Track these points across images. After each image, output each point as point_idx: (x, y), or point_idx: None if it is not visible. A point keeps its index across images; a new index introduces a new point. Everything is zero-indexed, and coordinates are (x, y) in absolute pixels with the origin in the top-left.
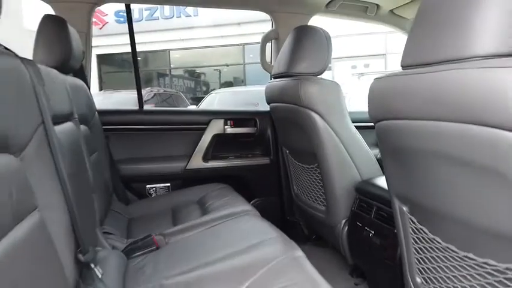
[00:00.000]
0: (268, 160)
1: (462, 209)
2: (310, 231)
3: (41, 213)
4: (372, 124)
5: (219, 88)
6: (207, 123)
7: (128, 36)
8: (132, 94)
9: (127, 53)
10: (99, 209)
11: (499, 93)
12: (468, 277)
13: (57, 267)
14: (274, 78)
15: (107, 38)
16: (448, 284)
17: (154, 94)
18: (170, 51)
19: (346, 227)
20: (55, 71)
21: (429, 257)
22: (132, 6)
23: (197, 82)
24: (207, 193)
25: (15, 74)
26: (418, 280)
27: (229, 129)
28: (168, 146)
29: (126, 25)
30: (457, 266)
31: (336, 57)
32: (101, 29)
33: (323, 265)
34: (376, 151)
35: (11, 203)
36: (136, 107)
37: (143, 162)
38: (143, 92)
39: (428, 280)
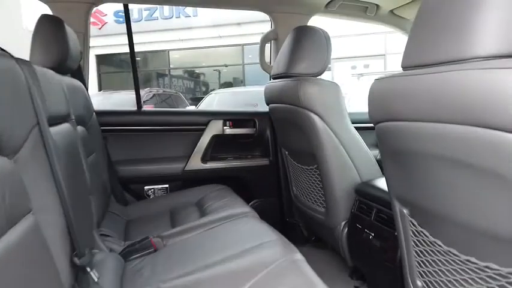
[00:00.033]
0: (268, 161)
1: (462, 211)
2: (310, 233)
3: (36, 216)
4: (372, 125)
5: (219, 88)
6: (206, 124)
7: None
8: (132, 94)
9: (126, 53)
10: (97, 210)
11: (500, 95)
12: (470, 281)
13: (52, 271)
14: (274, 78)
15: (106, 38)
16: None
17: (154, 94)
18: (169, 52)
19: (346, 229)
20: (51, 72)
21: (430, 260)
22: (132, 6)
23: (196, 82)
24: (205, 194)
25: (10, 74)
26: (419, 283)
27: (228, 130)
28: (167, 147)
29: (125, 25)
30: (458, 269)
31: (336, 57)
32: (100, 29)
33: (322, 267)
34: (376, 152)
35: (4, 207)
36: (135, 108)
37: (141, 163)
38: (142, 92)
39: (429, 283)
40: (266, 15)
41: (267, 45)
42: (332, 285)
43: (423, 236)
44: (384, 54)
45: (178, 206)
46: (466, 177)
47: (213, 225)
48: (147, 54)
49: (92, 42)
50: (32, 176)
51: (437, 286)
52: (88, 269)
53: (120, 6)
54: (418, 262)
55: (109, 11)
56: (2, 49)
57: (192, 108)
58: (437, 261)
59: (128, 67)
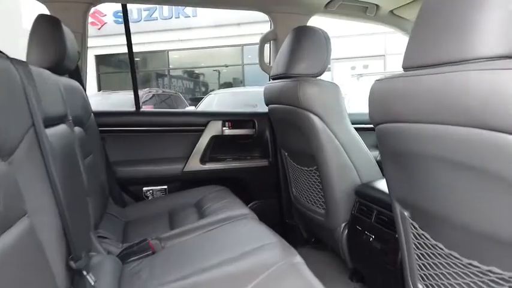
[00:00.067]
0: (267, 162)
1: (463, 213)
2: (309, 234)
3: (31, 219)
4: (372, 126)
5: (218, 89)
6: (205, 125)
7: None
8: (131, 95)
9: (126, 54)
10: (94, 212)
11: (503, 96)
12: (472, 285)
13: (47, 275)
14: (273, 79)
15: (106, 38)
16: None
17: (153, 95)
18: (169, 52)
19: (346, 231)
20: (48, 72)
21: (431, 263)
22: (131, 6)
23: (196, 83)
24: (204, 196)
25: (5, 75)
26: (420, 287)
27: (227, 131)
28: (165, 148)
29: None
30: (460, 273)
31: (335, 58)
32: (99, 29)
33: (322, 268)
34: (376, 153)
35: None
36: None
37: (140, 164)
38: (142, 92)
39: (430, 287)
40: (266, 15)
41: (267, 46)
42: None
43: (424, 238)
44: (384, 55)
45: (177, 208)
46: (467, 179)
47: (212, 227)
48: (146, 54)
49: (92, 42)
50: (27, 178)
51: None
52: (84, 273)
53: (119, 7)
54: (419, 265)
55: (108, 11)
56: None
57: (191, 108)
58: (439, 264)
59: (127, 67)
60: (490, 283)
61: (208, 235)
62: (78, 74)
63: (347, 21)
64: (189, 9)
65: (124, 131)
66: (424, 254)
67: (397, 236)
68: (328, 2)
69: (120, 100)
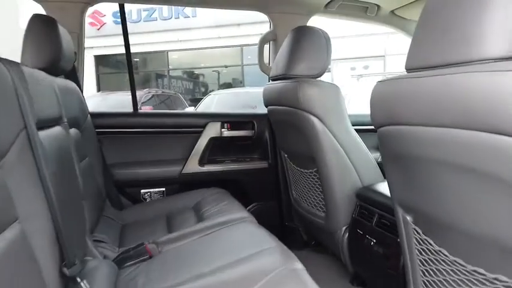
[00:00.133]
0: (266, 164)
1: (465, 217)
2: (309, 237)
3: (23, 225)
4: (372, 127)
5: (218, 89)
6: (204, 126)
7: None
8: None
9: (124, 54)
10: (90, 216)
11: (506, 98)
12: None
13: (39, 283)
14: (272, 80)
15: (105, 39)
16: None
17: (153, 95)
18: (168, 52)
19: (347, 234)
20: (42, 73)
21: (435, 270)
22: (131, 7)
23: (196, 83)
24: (203, 198)
25: None
26: None
27: (226, 133)
28: (163, 149)
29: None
30: (465, 280)
31: (335, 58)
32: (98, 29)
33: (322, 272)
34: (377, 155)
35: None
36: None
37: (137, 166)
38: (141, 93)
39: None
40: (265, 16)
41: (266, 46)
42: None
43: (427, 244)
44: (384, 56)
45: (175, 210)
46: (468, 181)
47: (210, 231)
48: (146, 55)
49: (91, 43)
50: (18, 182)
51: None
52: (78, 279)
53: (118, 7)
54: (422, 271)
55: (108, 12)
56: None
57: (189, 110)
58: (443, 271)
59: (126, 68)
60: None
61: (206, 239)
62: (74, 75)
63: (346, 21)
64: (188, 10)
65: (121, 132)
66: (427, 259)
67: (399, 240)
68: (328, 2)
69: (120, 101)
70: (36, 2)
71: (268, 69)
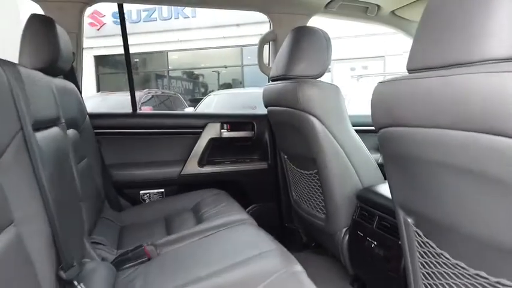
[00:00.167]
0: (266, 165)
1: (465, 219)
2: (309, 239)
3: (19, 228)
4: (372, 128)
5: (218, 90)
6: (203, 127)
7: None
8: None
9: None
10: (88, 217)
11: (507, 99)
12: None
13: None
14: (272, 80)
15: (105, 39)
16: None
17: (152, 96)
18: (168, 53)
19: (347, 236)
20: (39, 73)
21: (436, 273)
22: (131, 7)
23: (195, 84)
24: (202, 199)
25: None
26: None
27: (226, 133)
28: (162, 150)
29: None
30: (467, 284)
31: (334, 59)
32: (98, 30)
33: (322, 273)
34: (377, 156)
35: None
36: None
37: (136, 167)
38: (141, 93)
39: None
40: (265, 16)
41: (266, 47)
42: None
43: (429, 247)
44: (383, 56)
45: (174, 212)
46: (467, 183)
47: (209, 233)
48: (145, 55)
49: (91, 43)
50: (15, 184)
51: None
52: (75, 283)
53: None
54: (423, 274)
55: (107, 12)
56: None
57: (188, 110)
58: (445, 274)
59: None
60: None
61: (205, 241)
62: (73, 75)
63: (346, 22)
64: (188, 10)
65: (120, 133)
66: (429, 262)
67: (400, 242)
68: (329, 2)
69: (120, 101)
70: (34, 1)
71: (267, 69)
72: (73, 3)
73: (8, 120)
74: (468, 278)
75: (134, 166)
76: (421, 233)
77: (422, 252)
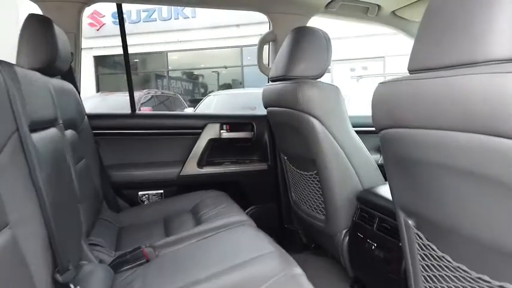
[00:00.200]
0: (266, 166)
1: (467, 222)
2: (309, 240)
3: (14, 230)
4: (373, 129)
5: (218, 90)
6: (202, 128)
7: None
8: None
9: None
10: (86, 219)
11: (507, 99)
12: None
13: None
14: (272, 81)
15: (105, 39)
16: None
17: (152, 96)
18: (168, 53)
19: (347, 238)
20: (36, 74)
21: (438, 276)
22: (130, 7)
23: (195, 84)
24: (201, 200)
25: None
26: None
27: (225, 134)
28: (161, 151)
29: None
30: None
31: (334, 59)
32: (98, 30)
33: (322, 275)
34: (377, 156)
35: None
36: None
37: (135, 168)
38: (140, 93)
39: None
40: (265, 16)
41: (266, 47)
42: None
43: (430, 249)
44: (383, 56)
45: (173, 213)
46: (468, 185)
47: (208, 235)
48: (145, 55)
49: (90, 43)
50: (10, 185)
51: None
52: (72, 286)
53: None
54: (424, 277)
55: (107, 12)
56: None
57: (188, 111)
58: (446, 277)
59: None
60: None
61: (204, 243)
62: (71, 76)
63: (345, 22)
64: (188, 10)
65: (119, 133)
66: (430, 265)
67: (400, 244)
68: (329, 3)
69: (119, 101)
70: (32, 1)
71: (267, 70)
72: (71, 3)
73: (3, 121)
74: (470, 282)
75: (133, 167)
76: (422, 236)
77: (423, 255)
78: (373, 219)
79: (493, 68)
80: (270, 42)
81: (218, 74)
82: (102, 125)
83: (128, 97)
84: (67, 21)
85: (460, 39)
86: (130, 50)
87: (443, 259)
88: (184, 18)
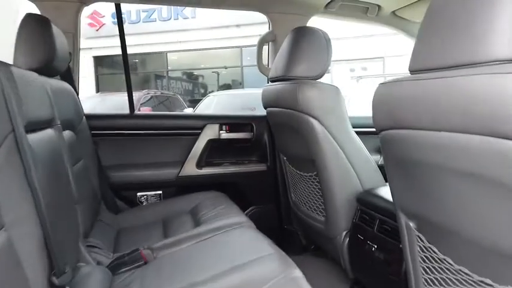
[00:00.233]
0: (265, 167)
1: (467, 223)
2: (309, 241)
3: (10, 231)
4: (373, 129)
5: (217, 90)
6: (202, 128)
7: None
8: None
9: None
10: (84, 220)
11: (507, 99)
12: None
13: None
14: (271, 81)
15: (104, 39)
16: None
17: (151, 96)
18: (168, 53)
19: (347, 239)
20: (34, 74)
21: (439, 279)
22: (130, 7)
23: (195, 84)
24: (200, 202)
25: None
26: None
27: (225, 135)
28: (160, 152)
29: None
30: None
31: (334, 60)
32: (97, 30)
33: (322, 277)
34: (377, 157)
35: None
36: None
37: (134, 169)
38: (140, 94)
39: None
40: (265, 16)
41: (265, 47)
42: None
43: (431, 252)
44: (383, 57)
45: (172, 214)
46: (468, 186)
47: (207, 237)
48: (145, 56)
49: (90, 43)
50: (6, 186)
51: None
52: None
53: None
54: (425, 279)
55: (107, 13)
56: None
57: (187, 111)
58: (447, 280)
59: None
60: None
61: (203, 245)
62: (69, 76)
63: (344, 22)
64: (188, 11)
65: (117, 134)
66: (431, 268)
67: (401, 246)
68: (329, 3)
69: (119, 102)
70: (30, 1)
71: (267, 70)
72: (70, 3)
73: None
74: (472, 285)
75: (131, 167)
76: (423, 238)
77: (424, 257)
78: (374, 220)
79: (494, 68)
80: (270, 43)
81: (218, 74)
82: (100, 126)
83: (126, 97)
84: (65, 21)
85: (461, 39)
86: (130, 51)
87: (445, 261)
88: (184, 18)
